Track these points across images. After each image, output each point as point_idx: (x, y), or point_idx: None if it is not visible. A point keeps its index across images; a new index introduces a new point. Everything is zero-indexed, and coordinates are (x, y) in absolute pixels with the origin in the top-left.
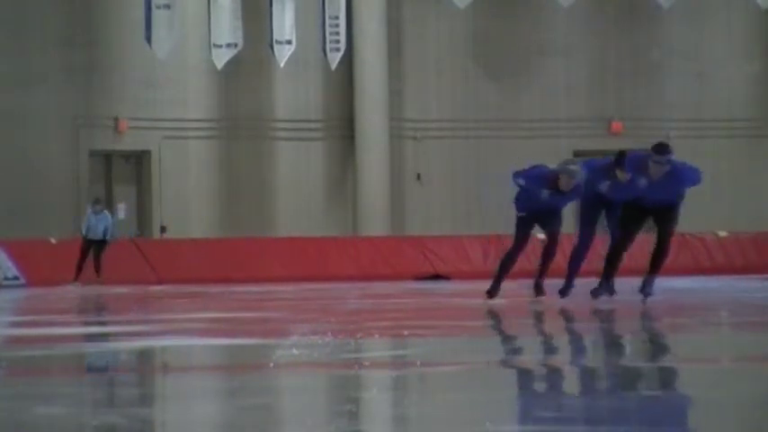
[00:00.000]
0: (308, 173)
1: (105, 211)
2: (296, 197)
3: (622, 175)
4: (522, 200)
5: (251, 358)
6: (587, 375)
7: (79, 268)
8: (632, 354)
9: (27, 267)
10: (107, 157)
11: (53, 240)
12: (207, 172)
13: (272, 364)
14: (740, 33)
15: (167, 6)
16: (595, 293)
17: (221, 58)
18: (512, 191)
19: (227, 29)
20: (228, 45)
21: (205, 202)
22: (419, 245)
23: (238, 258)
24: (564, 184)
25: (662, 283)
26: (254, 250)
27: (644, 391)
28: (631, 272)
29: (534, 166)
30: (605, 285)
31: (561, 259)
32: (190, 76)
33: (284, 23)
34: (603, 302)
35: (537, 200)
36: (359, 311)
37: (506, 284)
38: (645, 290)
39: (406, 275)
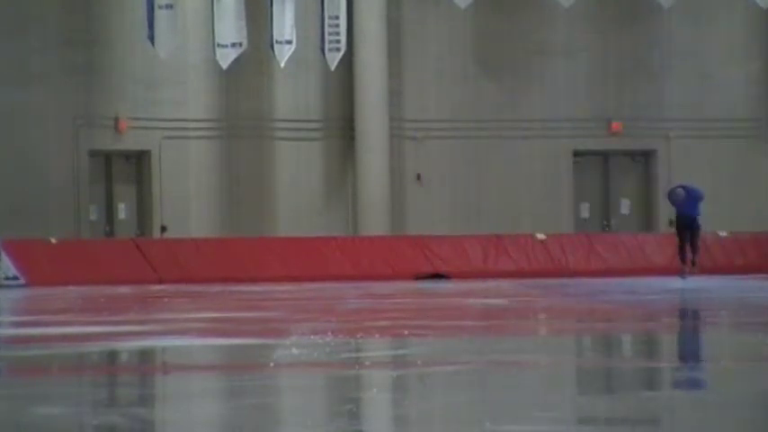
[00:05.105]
0: (307, 173)
1: None
2: (296, 197)
3: None
4: None
5: (251, 358)
6: (587, 375)
7: None
8: (632, 354)
9: (27, 267)
10: (107, 157)
11: (53, 240)
12: (207, 172)
13: (272, 364)
14: (740, 33)
15: (170, 6)
16: None
17: (226, 58)
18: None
19: (231, 29)
20: (233, 45)
21: (205, 202)
22: (419, 244)
23: (238, 258)
24: None
25: (661, 283)
26: (254, 250)
27: (643, 391)
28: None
29: None
30: None
31: (560, 258)
32: (190, 76)
33: (284, 23)
34: (602, 302)
35: None
36: (359, 311)
37: (505, 284)
38: None
39: (406, 275)
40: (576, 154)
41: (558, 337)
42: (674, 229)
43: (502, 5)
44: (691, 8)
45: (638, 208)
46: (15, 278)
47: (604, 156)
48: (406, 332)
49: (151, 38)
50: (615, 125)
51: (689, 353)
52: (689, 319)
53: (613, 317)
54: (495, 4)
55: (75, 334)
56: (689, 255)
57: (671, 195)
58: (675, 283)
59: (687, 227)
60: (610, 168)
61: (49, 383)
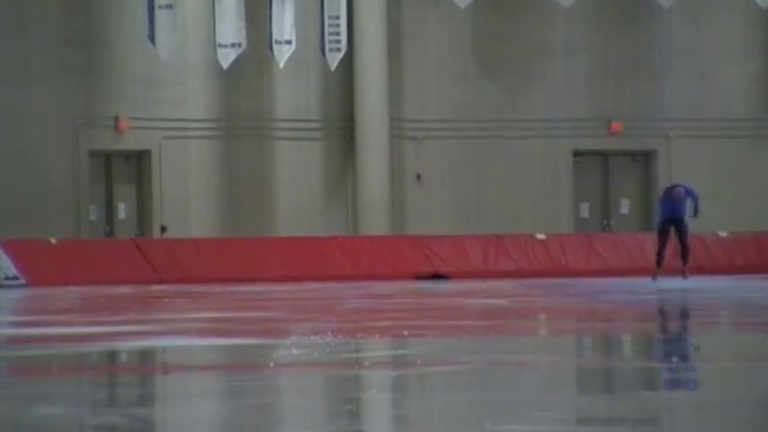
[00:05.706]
0: (307, 173)
1: None
2: (296, 197)
3: None
4: None
5: (251, 358)
6: (587, 375)
7: None
8: (631, 354)
9: (27, 267)
10: (107, 157)
11: (53, 240)
12: (207, 172)
13: (272, 364)
14: (740, 33)
15: (170, 6)
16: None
17: (226, 58)
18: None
19: (231, 29)
20: (233, 45)
21: (205, 202)
22: (419, 244)
23: (238, 258)
24: None
25: (661, 283)
26: (254, 250)
27: (643, 391)
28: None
29: None
30: None
31: (560, 258)
32: (190, 76)
33: (284, 23)
34: (602, 302)
35: None
36: (359, 311)
37: (505, 284)
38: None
39: (406, 275)
40: (576, 154)
41: (557, 337)
42: (657, 231)
43: (502, 5)
44: (691, 8)
45: (638, 208)
46: (15, 278)
47: (604, 156)
48: (405, 332)
49: (151, 38)
50: (615, 125)
51: (689, 353)
52: (689, 318)
53: (613, 317)
54: (495, 4)
55: (75, 334)
56: (665, 257)
57: (670, 193)
58: (676, 283)
59: (676, 227)
60: (610, 168)
61: (49, 383)
